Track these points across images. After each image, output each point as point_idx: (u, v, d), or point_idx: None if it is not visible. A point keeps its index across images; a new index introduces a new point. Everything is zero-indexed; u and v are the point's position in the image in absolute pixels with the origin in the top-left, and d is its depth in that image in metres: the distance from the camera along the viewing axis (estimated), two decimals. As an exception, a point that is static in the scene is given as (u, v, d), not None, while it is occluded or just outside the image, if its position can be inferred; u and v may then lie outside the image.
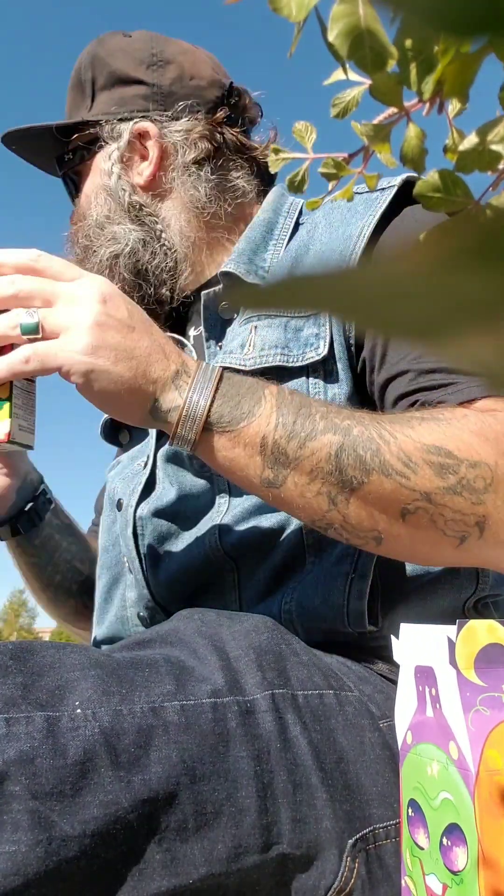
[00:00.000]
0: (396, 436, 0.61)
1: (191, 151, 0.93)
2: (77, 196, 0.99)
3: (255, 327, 0.82)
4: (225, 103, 0.96)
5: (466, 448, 0.60)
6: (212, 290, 0.88)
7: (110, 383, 0.63)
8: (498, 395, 0.65)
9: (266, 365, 0.78)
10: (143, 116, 0.94)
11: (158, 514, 0.84)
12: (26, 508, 0.97)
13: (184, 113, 0.93)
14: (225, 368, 0.76)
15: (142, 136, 0.94)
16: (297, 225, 0.90)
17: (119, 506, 0.90)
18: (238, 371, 0.79)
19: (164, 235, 0.93)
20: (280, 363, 0.78)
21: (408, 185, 0.79)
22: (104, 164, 0.95)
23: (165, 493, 0.84)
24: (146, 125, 0.93)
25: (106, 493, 0.97)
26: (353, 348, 0.79)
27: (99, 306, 0.64)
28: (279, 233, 0.90)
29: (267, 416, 0.63)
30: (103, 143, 0.95)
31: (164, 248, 0.93)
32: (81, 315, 0.63)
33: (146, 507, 0.85)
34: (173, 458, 0.85)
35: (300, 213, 0.92)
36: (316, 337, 0.79)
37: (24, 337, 0.64)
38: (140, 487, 0.87)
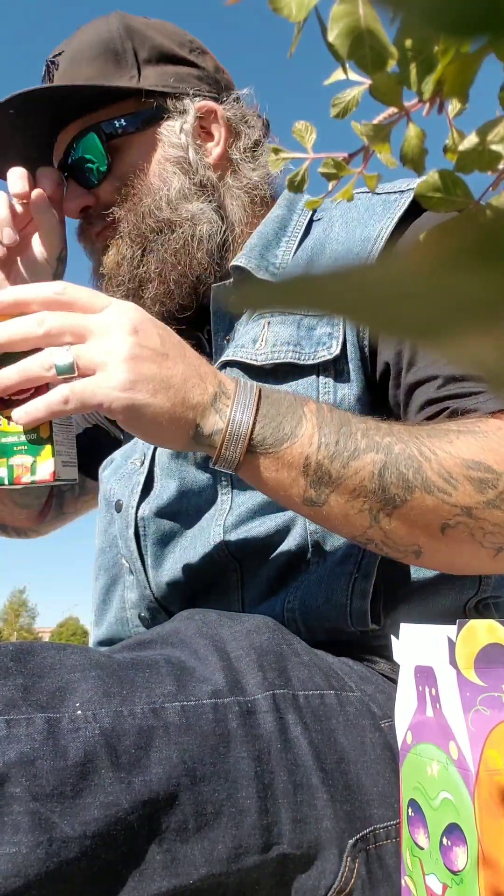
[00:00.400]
0: (437, 452, 0.62)
1: (252, 134, 0.92)
2: (112, 172, 0.89)
3: (269, 323, 0.82)
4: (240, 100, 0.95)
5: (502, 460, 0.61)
6: (223, 283, 0.88)
7: (151, 415, 0.62)
8: (500, 396, 0.66)
9: (277, 361, 0.79)
10: (204, 96, 0.91)
11: (160, 513, 0.83)
12: None
13: (235, 100, 0.92)
14: (238, 365, 0.76)
15: (206, 115, 0.91)
16: (311, 222, 0.89)
17: (118, 507, 0.89)
18: (249, 366, 0.79)
19: (229, 219, 0.91)
20: (291, 360, 0.78)
21: None
22: (174, 138, 0.88)
23: (165, 490, 0.84)
24: (212, 104, 0.91)
25: (101, 493, 0.96)
26: (366, 350, 0.79)
27: (132, 338, 0.63)
28: (292, 229, 0.89)
29: (309, 436, 0.63)
30: (169, 117, 0.89)
31: (228, 232, 0.90)
32: (116, 349, 0.62)
33: (147, 507, 0.85)
34: (175, 452, 0.84)
35: (315, 210, 0.91)
36: (329, 336, 0.79)
37: (60, 377, 0.63)
38: (139, 487, 0.86)
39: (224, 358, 0.82)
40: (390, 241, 0.77)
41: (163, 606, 0.84)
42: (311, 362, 0.78)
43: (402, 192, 0.81)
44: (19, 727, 0.49)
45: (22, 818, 0.46)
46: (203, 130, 0.91)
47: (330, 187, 0.27)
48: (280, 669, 0.63)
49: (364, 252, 0.78)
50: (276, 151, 0.29)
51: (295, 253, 0.86)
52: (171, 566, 0.82)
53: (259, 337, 0.81)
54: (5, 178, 0.90)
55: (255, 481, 0.66)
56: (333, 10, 0.23)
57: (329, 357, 0.77)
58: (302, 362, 0.78)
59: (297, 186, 0.28)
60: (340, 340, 0.78)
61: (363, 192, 0.85)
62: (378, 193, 0.83)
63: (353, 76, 0.25)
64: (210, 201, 0.89)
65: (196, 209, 0.88)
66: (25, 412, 0.63)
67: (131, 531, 0.85)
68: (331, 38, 0.23)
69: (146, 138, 0.88)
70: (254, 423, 0.63)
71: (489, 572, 0.67)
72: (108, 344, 0.63)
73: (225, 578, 0.80)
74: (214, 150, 0.91)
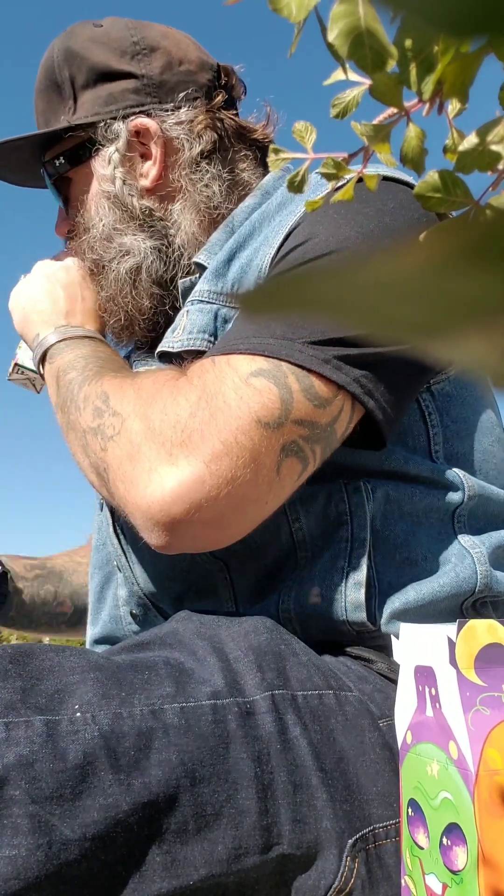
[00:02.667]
0: (102, 381, 0.74)
1: (197, 144, 0.86)
2: (69, 206, 0.93)
3: (188, 311, 0.81)
4: (218, 86, 0.89)
5: (120, 398, 0.70)
6: (188, 278, 0.86)
7: (15, 308, 0.92)
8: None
9: (191, 348, 0.77)
10: (138, 112, 0.86)
11: None
12: None
13: (182, 103, 0.87)
14: (162, 356, 0.81)
15: (141, 133, 0.87)
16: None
17: (101, 505, 0.89)
18: (168, 354, 0.80)
19: (176, 241, 0.87)
20: (206, 349, 0.77)
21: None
22: (104, 170, 0.87)
23: None
24: (144, 121, 0.86)
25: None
26: None
27: (54, 269, 0.92)
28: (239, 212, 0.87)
29: (73, 355, 0.82)
30: (99, 147, 0.87)
31: (177, 253, 0.87)
32: (42, 271, 0.93)
33: None
34: None
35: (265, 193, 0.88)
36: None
37: None
38: None
39: (158, 349, 0.82)
40: (293, 230, 0.74)
41: (152, 603, 0.83)
42: None
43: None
44: (18, 730, 0.49)
45: (21, 821, 0.46)
46: (142, 147, 0.88)
47: (330, 187, 0.27)
48: (279, 670, 0.63)
49: (275, 240, 0.75)
50: (276, 151, 0.29)
51: None
52: (152, 564, 0.82)
53: (178, 325, 0.80)
54: (33, 186, 1.01)
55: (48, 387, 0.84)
56: (333, 11, 0.23)
57: None
58: None
59: (296, 187, 0.28)
60: None
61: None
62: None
63: (353, 76, 0.25)
64: (145, 230, 0.87)
65: (129, 242, 0.87)
66: None
67: (111, 528, 0.86)
68: (331, 38, 0.23)
69: (83, 174, 0.91)
70: (56, 342, 0.85)
71: (112, 501, 0.72)
72: (41, 269, 0.94)
73: (212, 577, 0.79)
74: (151, 170, 0.87)
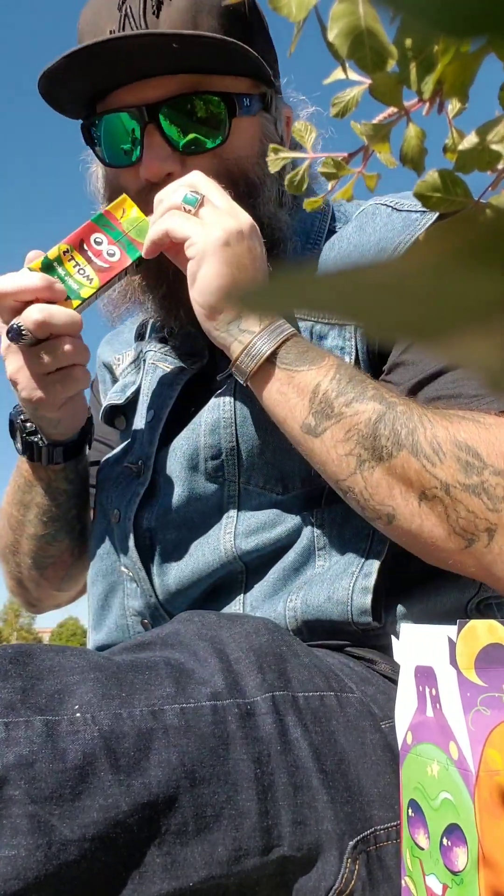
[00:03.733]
0: (435, 424, 0.65)
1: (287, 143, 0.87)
2: (217, 148, 0.80)
3: None
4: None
5: (496, 455, 0.63)
6: None
7: (213, 275, 0.70)
8: (498, 395, 0.66)
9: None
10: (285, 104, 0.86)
11: (166, 522, 0.82)
12: (84, 426, 0.92)
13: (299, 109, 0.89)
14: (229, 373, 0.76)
15: (288, 121, 0.87)
16: (329, 232, 0.88)
17: (116, 517, 0.88)
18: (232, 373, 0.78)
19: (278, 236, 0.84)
20: None
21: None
22: (275, 136, 0.84)
23: (171, 499, 0.82)
24: (289, 110, 0.86)
25: (97, 499, 0.95)
26: (377, 359, 0.78)
27: (248, 224, 0.73)
28: (314, 237, 0.88)
29: (326, 369, 0.69)
30: (270, 110, 0.83)
31: (286, 248, 0.86)
32: (229, 220, 0.72)
33: (150, 517, 0.83)
34: (186, 460, 0.82)
35: (332, 217, 0.89)
36: (341, 350, 0.78)
37: (187, 206, 0.73)
38: (139, 498, 0.85)
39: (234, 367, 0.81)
40: None
41: (168, 613, 0.83)
42: None
43: (424, 212, 0.79)
44: (18, 730, 0.49)
45: (21, 821, 0.46)
46: (286, 133, 0.87)
47: (330, 187, 0.27)
48: (280, 671, 0.63)
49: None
50: (276, 151, 0.29)
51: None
52: (178, 574, 0.81)
53: None
54: (64, 112, 0.83)
55: (262, 394, 0.71)
56: (333, 10, 0.23)
57: None
58: None
59: (296, 186, 0.28)
60: (353, 356, 0.78)
61: (383, 205, 0.83)
62: (399, 210, 0.81)
63: (352, 76, 0.25)
64: (290, 213, 0.86)
65: (287, 218, 0.85)
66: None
67: (131, 542, 0.84)
68: (331, 37, 0.23)
69: (253, 126, 0.82)
70: (284, 341, 0.70)
71: (455, 566, 0.67)
72: (225, 216, 0.72)
73: (230, 580, 0.80)
74: None
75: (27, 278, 0.75)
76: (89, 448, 0.95)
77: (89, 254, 0.79)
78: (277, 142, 0.83)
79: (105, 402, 0.99)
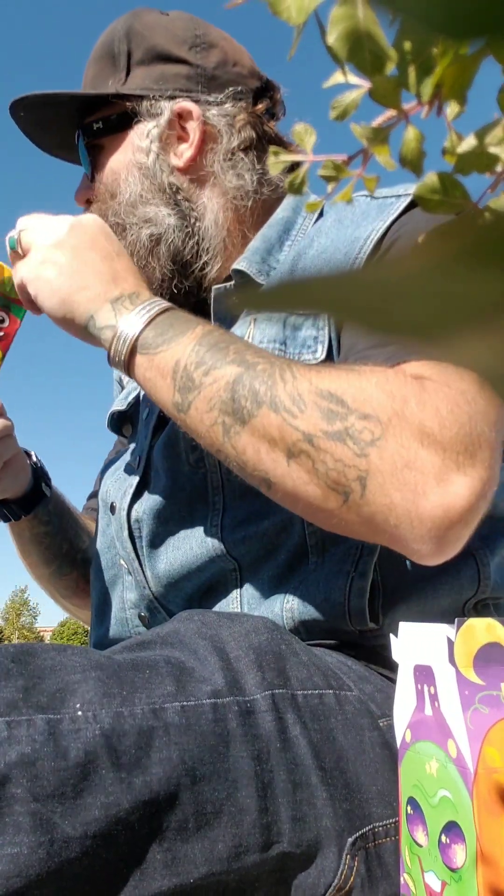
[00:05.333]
0: (297, 376, 0.63)
1: (235, 138, 0.89)
2: (96, 173, 0.93)
3: (255, 320, 0.82)
4: (264, 95, 0.92)
5: (363, 400, 0.61)
6: (223, 285, 0.87)
7: (50, 291, 0.73)
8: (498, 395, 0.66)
9: None
10: (185, 96, 0.89)
11: (153, 513, 0.84)
12: (33, 477, 0.98)
13: (228, 99, 0.90)
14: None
15: (183, 116, 0.89)
16: (313, 225, 0.89)
17: (112, 508, 0.89)
18: None
19: (198, 224, 0.89)
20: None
21: None
22: (140, 142, 0.90)
23: (158, 491, 0.84)
24: (189, 105, 0.89)
25: (100, 494, 0.96)
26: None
27: (61, 231, 0.75)
28: (296, 233, 0.89)
29: (185, 345, 0.68)
30: (140, 119, 0.90)
31: (198, 237, 0.89)
32: (44, 237, 0.75)
33: (140, 508, 0.85)
34: (169, 451, 0.84)
35: (320, 214, 0.90)
36: (314, 340, 0.78)
37: (10, 251, 0.78)
38: (132, 489, 0.86)
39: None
40: (380, 243, 0.77)
41: (162, 605, 0.84)
42: None
43: (399, 196, 0.80)
44: (20, 728, 0.49)
45: (23, 819, 0.46)
46: (181, 130, 0.90)
47: (329, 189, 0.28)
48: (279, 669, 0.64)
49: (352, 252, 0.77)
50: (276, 153, 0.29)
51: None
52: (167, 566, 0.82)
53: (246, 334, 0.81)
54: (50, 152, 0.99)
55: (140, 382, 0.72)
56: (333, 13, 0.23)
57: (313, 361, 0.77)
58: None
59: (296, 189, 0.28)
60: (326, 345, 0.78)
61: (362, 196, 0.85)
62: (376, 197, 0.82)
63: (352, 79, 0.26)
64: (170, 206, 0.89)
65: (153, 212, 0.88)
66: None
67: (125, 532, 0.85)
68: (330, 40, 0.23)
69: (118, 142, 0.91)
70: (143, 328, 0.70)
71: (339, 526, 0.64)
72: (42, 234, 0.76)
73: (224, 578, 0.80)
74: (186, 152, 0.89)
75: None
76: (49, 489, 1.01)
77: None
78: (143, 146, 0.90)
79: (111, 410, 1.01)
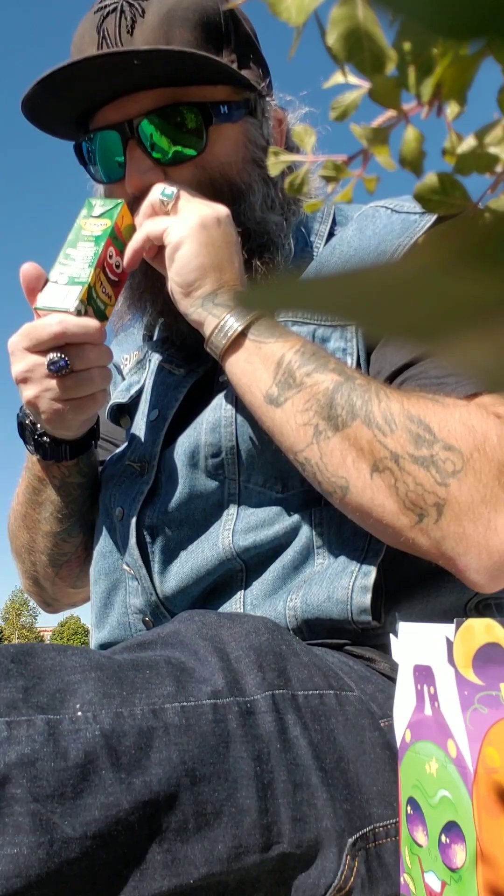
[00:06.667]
0: (391, 397, 0.67)
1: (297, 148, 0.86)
2: (197, 156, 0.81)
3: None
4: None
5: (448, 431, 0.64)
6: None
7: (194, 255, 0.74)
8: (498, 396, 0.66)
9: None
10: (273, 99, 0.85)
11: (167, 520, 0.83)
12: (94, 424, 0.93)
13: (292, 111, 0.88)
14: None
15: (278, 123, 0.86)
16: (330, 235, 0.89)
17: (119, 516, 0.88)
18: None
19: (285, 238, 0.86)
20: None
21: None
22: (261, 140, 0.84)
23: (172, 497, 0.83)
24: (281, 112, 0.86)
25: (101, 497, 0.95)
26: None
27: (222, 213, 0.76)
28: (314, 239, 0.89)
29: (290, 345, 0.72)
30: (254, 113, 0.83)
31: (282, 251, 0.86)
32: (204, 209, 0.76)
33: (153, 515, 0.84)
34: (188, 458, 0.83)
35: (333, 220, 0.90)
36: (343, 352, 0.79)
37: (166, 201, 0.77)
38: (142, 497, 0.85)
39: None
40: None
41: (168, 610, 0.83)
42: None
43: (423, 214, 0.79)
44: (20, 729, 0.49)
45: (23, 819, 0.46)
46: (279, 136, 0.87)
47: (329, 190, 0.28)
48: (279, 670, 0.64)
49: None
50: (276, 154, 0.29)
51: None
52: (178, 572, 0.82)
53: None
54: (55, 133, 0.86)
55: (231, 365, 0.74)
56: (332, 14, 0.23)
57: None
58: None
59: (296, 189, 0.28)
60: (354, 357, 0.78)
61: (382, 207, 0.84)
62: (398, 211, 0.82)
63: (352, 79, 0.26)
64: (282, 215, 0.86)
65: (277, 220, 0.85)
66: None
67: (133, 540, 0.84)
68: (330, 41, 0.23)
69: (235, 133, 0.82)
70: (255, 317, 0.72)
71: (406, 543, 0.67)
72: (201, 206, 0.76)
73: (230, 579, 0.80)
74: None
75: (88, 327, 0.76)
76: (97, 442, 0.96)
77: (106, 270, 0.81)
78: (263, 146, 0.84)
79: (111, 401, 1.00)
